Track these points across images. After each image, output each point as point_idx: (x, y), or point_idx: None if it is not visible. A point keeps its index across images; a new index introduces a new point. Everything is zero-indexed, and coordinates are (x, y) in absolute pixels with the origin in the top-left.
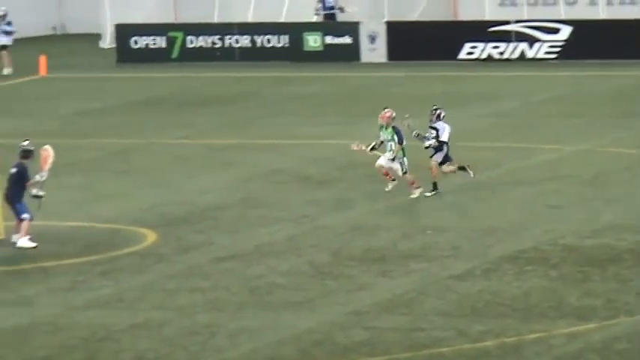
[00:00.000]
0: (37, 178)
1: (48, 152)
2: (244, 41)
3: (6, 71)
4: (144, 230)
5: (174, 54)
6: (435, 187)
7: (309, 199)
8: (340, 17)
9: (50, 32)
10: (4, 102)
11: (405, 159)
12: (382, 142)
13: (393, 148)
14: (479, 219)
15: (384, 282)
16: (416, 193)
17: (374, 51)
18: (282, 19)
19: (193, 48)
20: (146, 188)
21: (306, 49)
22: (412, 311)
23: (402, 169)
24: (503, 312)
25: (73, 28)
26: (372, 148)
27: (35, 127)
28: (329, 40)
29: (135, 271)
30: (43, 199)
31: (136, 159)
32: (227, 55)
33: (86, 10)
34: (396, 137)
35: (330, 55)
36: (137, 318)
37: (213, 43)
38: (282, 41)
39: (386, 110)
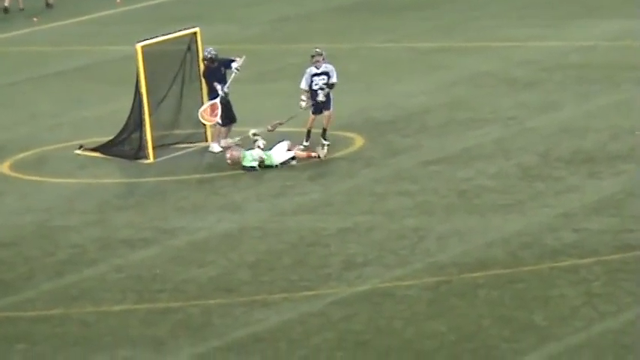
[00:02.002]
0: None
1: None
2: None
3: None
4: (352, 134)
5: None
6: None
7: (517, 102)
8: None
9: None
10: (208, 9)
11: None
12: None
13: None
14: None
15: (592, 183)
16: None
17: None
18: None
19: None
20: (353, 93)
21: None
22: (621, 213)
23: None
24: None
25: None
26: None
27: (239, 33)
28: None
29: (343, 175)
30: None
31: (342, 63)
32: None
33: None
34: None
35: None
36: (346, 222)
37: None
38: None
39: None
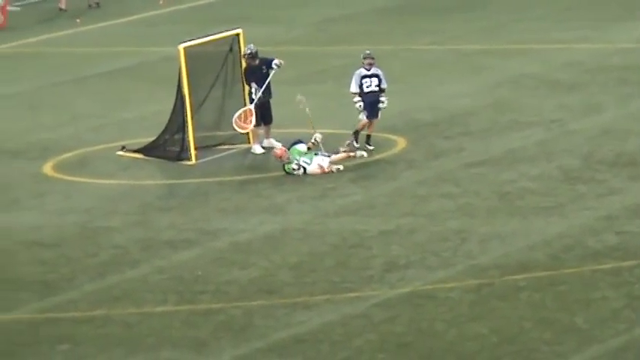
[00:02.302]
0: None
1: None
2: None
3: None
4: (394, 136)
5: None
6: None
7: (560, 104)
8: None
9: None
10: (252, 10)
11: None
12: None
13: None
14: None
15: (634, 186)
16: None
17: None
18: None
19: None
20: (396, 94)
21: None
22: None
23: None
24: None
25: None
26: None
27: (284, 35)
28: None
29: (385, 177)
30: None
31: (385, 65)
32: None
33: None
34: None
35: None
36: (388, 224)
37: None
38: None
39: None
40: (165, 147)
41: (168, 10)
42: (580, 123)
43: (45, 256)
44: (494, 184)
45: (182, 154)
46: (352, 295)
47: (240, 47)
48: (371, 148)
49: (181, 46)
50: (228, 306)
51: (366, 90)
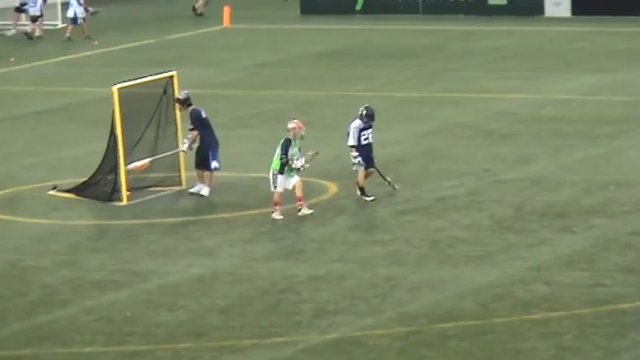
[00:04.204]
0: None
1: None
2: None
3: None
4: (326, 182)
5: (358, 6)
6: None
7: (492, 153)
8: None
9: None
10: (188, 52)
11: (279, 176)
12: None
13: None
14: None
15: (565, 237)
16: (275, 216)
17: (558, 6)
18: None
19: (377, 0)
20: (329, 140)
21: (490, 2)
22: (593, 267)
23: (273, 184)
24: None
25: None
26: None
27: (218, 77)
28: None
29: (317, 222)
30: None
31: (318, 111)
32: (410, 7)
33: None
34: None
35: (514, 9)
36: (318, 270)
37: None
38: None
39: (296, 120)
40: (97, 187)
41: (102, 50)
42: (512, 173)
43: None
44: (425, 232)
45: (113, 195)
46: (280, 339)
47: (174, 90)
48: (370, 198)
49: (115, 87)
50: (156, 348)
51: (363, 142)
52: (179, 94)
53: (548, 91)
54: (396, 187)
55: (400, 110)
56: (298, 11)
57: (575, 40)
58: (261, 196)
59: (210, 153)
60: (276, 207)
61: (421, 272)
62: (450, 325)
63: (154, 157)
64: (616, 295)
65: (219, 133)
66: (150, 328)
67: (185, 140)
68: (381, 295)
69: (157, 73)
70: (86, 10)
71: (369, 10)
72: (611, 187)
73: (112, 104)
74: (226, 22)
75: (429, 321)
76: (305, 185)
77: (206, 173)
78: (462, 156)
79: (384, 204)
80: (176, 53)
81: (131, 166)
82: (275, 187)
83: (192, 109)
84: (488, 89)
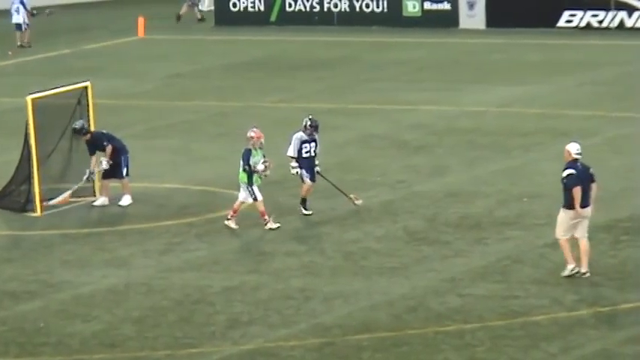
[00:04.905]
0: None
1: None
2: (343, 5)
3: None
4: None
5: (273, 17)
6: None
7: (406, 165)
8: None
9: None
10: (103, 62)
11: (254, 186)
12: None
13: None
14: None
15: (479, 249)
16: (271, 225)
17: (473, 17)
18: None
19: (292, 12)
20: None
21: (404, 14)
22: (507, 279)
23: (252, 196)
24: (598, 281)
25: None
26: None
27: (133, 88)
28: (428, 5)
29: (231, 233)
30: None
31: (233, 122)
32: (325, 19)
33: None
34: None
35: (428, 20)
36: (232, 280)
37: (312, 7)
38: (380, 6)
39: (256, 129)
40: (11, 198)
41: (17, 60)
42: (426, 184)
43: None
44: (338, 244)
45: (27, 206)
46: (194, 350)
47: (88, 100)
48: (309, 212)
49: (29, 98)
50: (69, 359)
51: (304, 155)
52: (75, 123)
53: (462, 103)
54: (357, 202)
55: None
56: (212, 22)
57: (490, 52)
58: (175, 207)
59: (122, 158)
60: (265, 217)
61: (335, 283)
62: (364, 336)
63: (74, 189)
64: (530, 306)
65: (133, 144)
66: (63, 338)
67: (102, 159)
68: (294, 306)
69: (72, 84)
70: (32, 14)
71: (283, 21)
72: (525, 200)
73: (26, 114)
74: (141, 32)
75: (342, 332)
76: (219, 196)
77: (124, 181)
78: (376, 167)
79: (297, 215)
80: (91, 63)
81: (54, 201)
82: (255, 198)
83: (92, 135)
84: (403, 101)
